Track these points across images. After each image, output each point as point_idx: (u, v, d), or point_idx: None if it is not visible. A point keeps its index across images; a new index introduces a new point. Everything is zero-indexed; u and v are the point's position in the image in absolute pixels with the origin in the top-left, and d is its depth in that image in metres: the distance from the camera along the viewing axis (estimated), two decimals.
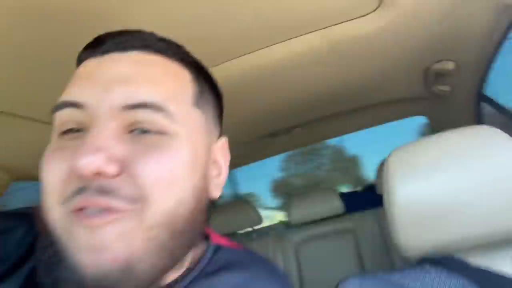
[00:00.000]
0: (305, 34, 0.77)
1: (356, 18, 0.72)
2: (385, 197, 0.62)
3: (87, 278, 0.29)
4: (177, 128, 0.35)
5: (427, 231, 0.57)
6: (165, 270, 0.34)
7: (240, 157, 1.52)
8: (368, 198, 1.60)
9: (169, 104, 0.35)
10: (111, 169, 0.30)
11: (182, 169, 0.35)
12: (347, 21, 0.73)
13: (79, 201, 0.30)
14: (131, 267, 0.31)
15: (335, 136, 1.53)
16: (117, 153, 0.32)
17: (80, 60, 0.39)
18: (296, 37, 0.77)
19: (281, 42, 0.78)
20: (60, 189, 0.32)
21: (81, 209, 0.30)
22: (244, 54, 0.79)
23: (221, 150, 0.43)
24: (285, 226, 1.68)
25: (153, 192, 0.32)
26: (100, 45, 0.38)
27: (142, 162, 0.32)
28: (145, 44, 0.38)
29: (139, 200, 0.31)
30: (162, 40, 0.40)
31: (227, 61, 0.80)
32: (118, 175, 0.31)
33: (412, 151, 0.58)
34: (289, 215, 1.58)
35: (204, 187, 0.38)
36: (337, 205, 1.50)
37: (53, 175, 0.32)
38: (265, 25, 0.69)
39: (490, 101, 1.20)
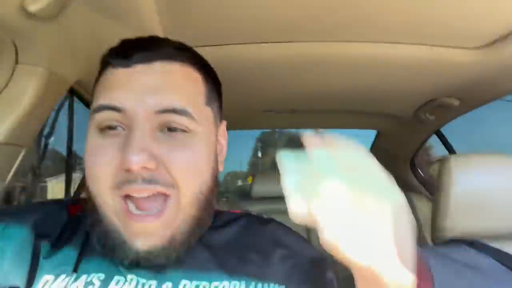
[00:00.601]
0: (404, 43, 0.88)
1: (461, 48, 0.87)
2: (442, 188, 0.84)
3: (140, 254, 0.42)
4: (196, 127, 0.46)
5: (470, 219, 0.81)
6: (196, 235, 0.47)
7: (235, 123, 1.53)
8: None
9: (190, 107, 0.45)
10: (152, 164, 0.41)
11: (202, 160, 0.46)
12: (451, 47, 0.87)
13: (129, 189, 0.41)
14: (172, 241, 0.44)
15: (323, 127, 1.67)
16: (155, 151, 0.42)
17: (105, 64, 0.48)
18: (394, 42, 0.88)
19: (377, 42, 0.87)
20: (111, 178, 0.42)
21: (128, 196, 0.42)
22: (332, 41, 0.85)
23: (223, 132, 0.55)
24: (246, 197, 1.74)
25: (183, 180, 0.43)
26: (128, 57, 0.46)
27: (172, 157, 0.43)
28: (166, 56, 0.47)
29: (175, 186, 0.43)
30: (179, 48, 0.50)
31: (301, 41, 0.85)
32: (156, 168, 0.42)
33: (471, 157, 0.81)
34: (251, 188, 1.65)
35: (215, 167, 0.50)
36: None
37: (104, 167, 0.42)
38: (367, 23, 0.77)
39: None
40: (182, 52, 0.49)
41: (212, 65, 0.54)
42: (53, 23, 0.58)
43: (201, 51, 0.53)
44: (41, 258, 0.46)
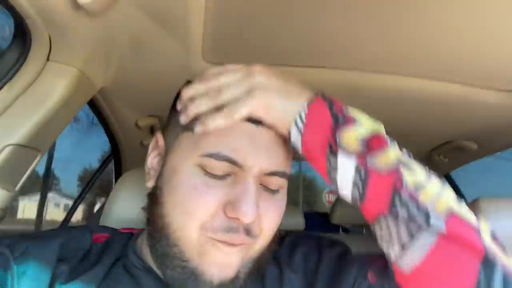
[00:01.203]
0: (435, 79, 0.87)
1: (492, 89, 0.87)
2: None
3: (214, 284, 0.43)
4: (286, 185, 0.49)
5: None
6: (254, 271, 0.48)
7: None
8: (323, 224, 1.73)
9: (289, 170, 0.48)
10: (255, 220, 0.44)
11: (281, 216, 0.49)
12: (482, 87, 0.87)
13: (230, 237, 0.43)
14: (237, 275, 0.45)
15: None
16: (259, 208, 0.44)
17: None
18: (425, 78, 0.87)
19: (407, 76, 0.87)
20: (206, 219, 0.43)
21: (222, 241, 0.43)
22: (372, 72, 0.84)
23: None
24: None
25: (269, 230, 0.47)
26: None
27: (268, 214, 0.46)
28: None
29: (260, 235, 0.46)
30: None
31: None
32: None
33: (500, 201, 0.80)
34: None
35: None
36: (299, 222, 1.59)
37: (203, 206, 0.43)
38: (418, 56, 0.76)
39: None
40: None
41: None
42: (96, 20, 0.55)
43: None
44: (58, 283, 0.45)
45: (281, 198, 0.49)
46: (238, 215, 0.42)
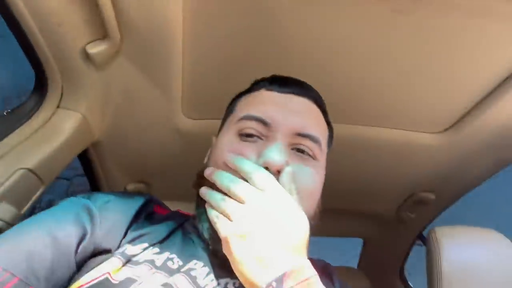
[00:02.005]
0: (375, 126, 1.02)
1: (424, 132, 1.02)
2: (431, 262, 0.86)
3: None
4: (321, 158, 0.57)
5: None
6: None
7: None
8: None
9: (322, 140, 0.57)
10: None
11: (316, 187, 0.56)
12: (415, 131, 1.02)
13: None
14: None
15: None
16: (289, 162, 0.51)
17: (257, 86, 0.62)
18: (371, 125, 1.02)
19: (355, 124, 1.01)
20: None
21: None
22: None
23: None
24: None
25: (302, 194, 0.52)
26: (285, 86, 0.60)
27: (302, 175, 0.52)
28: (311, 97, 0.61)
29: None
30: (319, 97, 0.65)
31: None
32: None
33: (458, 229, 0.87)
34: None
35: (319, 199, 0.59)
36: None
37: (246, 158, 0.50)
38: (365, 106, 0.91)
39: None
40: (320, 100, 0.63)
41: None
42: (99, 71, 0.73)
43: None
44: (131, 231, 0.54)
45: (317, 166, 0.55)
46: (265, 160, 0.48)
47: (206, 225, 0.52)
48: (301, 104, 0.58)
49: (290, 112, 0.55)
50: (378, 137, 1.03)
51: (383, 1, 0.64)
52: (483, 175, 1.15)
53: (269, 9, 0.66)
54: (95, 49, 0.66)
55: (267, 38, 0.71)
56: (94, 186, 1.15)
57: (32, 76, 0.72)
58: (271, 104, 0.56)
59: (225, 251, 0.46)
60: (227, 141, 0.55)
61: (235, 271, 0.45)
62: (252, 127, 0.53)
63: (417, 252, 1.57)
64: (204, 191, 0.51)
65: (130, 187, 1.19)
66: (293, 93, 0.59)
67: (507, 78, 0.79)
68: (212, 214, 0.48)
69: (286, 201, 0.46)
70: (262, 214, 0.44)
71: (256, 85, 0.63)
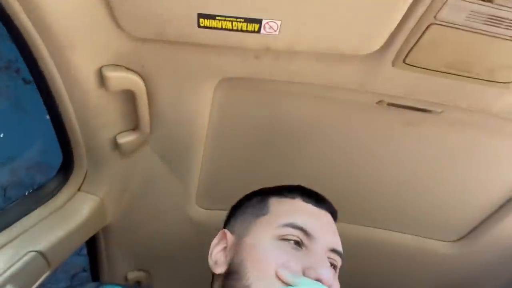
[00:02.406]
0: (390, 230, 1.02)
1: (438, 240, 1.02)
2: None
3: None
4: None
5: None
6: None
7: None
8: None
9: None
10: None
11: None
12: (429, 238, 1.02)
13: None
14: None
15: None
16: None
17: (293, 194, 0.64)
18: (382, 228, 1.02)
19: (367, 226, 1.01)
20: (281, 276, 0.51)
21: None
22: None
23: None
24: None
25: None
26: (320, 202, 0.63)
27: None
28: (334, 213, 0.65)
29: None
30: (336, 211, 0.68)
31: None
32: None
33: None
34: None
35: None
36: None
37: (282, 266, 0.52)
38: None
39: None
40: (336, 214, 0.67)
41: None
42: (124, 158, 0.76)
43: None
44: None
45: (337, 278, 0.58)
46: (320, 277, 0.51)
47: None
48: (330, 221, 0.62)
49: (326, 227, 0.60)
50: (390, 241, 1.03)
51: (396, 114, 0.69)
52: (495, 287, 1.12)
53: (286, 111, 0.71)
54: (124, 139, 0.70)
55: (285, 138, 0.76)
56: (95, 269, 1.12)
57: (44, 150, 0.75)
58: (310, 217, 0.60)
59: None
60: (270, 249, 0.56)
61: None
62: (296, 235, 0.56)
63: None
64: None
65: (131, 275, 1.15)
66: (326, 209, 0.63)
67: None
68: None
69: None
70: None
71: (288, 193, 0.65)
